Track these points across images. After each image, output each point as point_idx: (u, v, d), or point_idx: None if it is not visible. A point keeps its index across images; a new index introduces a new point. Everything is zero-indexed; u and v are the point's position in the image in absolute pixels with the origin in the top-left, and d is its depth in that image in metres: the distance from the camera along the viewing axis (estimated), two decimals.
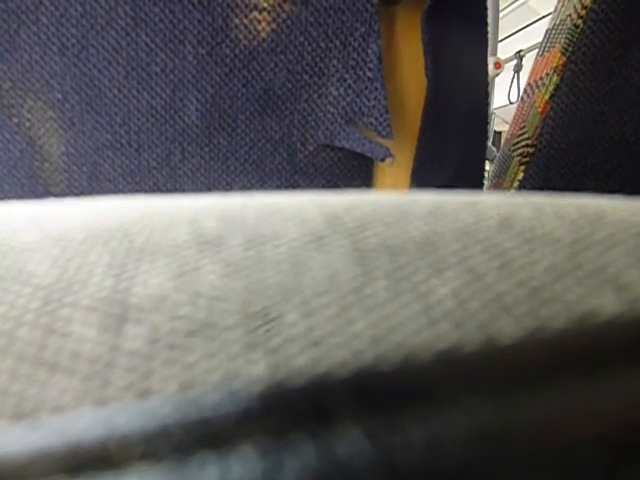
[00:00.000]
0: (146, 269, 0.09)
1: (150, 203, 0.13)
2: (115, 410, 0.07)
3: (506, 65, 2.11)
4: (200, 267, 0.09)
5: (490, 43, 1.84)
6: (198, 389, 0.07)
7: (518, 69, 2.35)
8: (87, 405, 0.07)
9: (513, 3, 3.17)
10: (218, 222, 0.11)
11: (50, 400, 0.07)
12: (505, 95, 2.35)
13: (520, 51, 2.40)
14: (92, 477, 0.06)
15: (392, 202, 0.12)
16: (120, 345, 0.08)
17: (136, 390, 0.07)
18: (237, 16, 0.33)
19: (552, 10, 0.41)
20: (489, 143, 1.85)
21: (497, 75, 1.86)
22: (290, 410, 0.07)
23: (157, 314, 0.09)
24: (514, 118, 0.45)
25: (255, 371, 0.07)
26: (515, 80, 2.33)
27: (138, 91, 0.34)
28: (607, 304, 0.08)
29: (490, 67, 1.79)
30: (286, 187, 0.37)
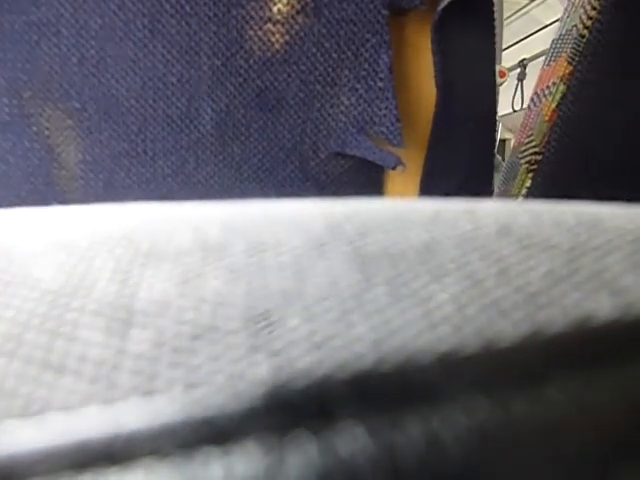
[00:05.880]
0: (151, 275, 0.10)
1: (154, 210, 0.13)
2: (121, 409, 0.07)
3: (510, 74, 2.11)
4: (204, 273, 0.10)
5: None
6: (203, 390, 0.08)
7: (522, 77, 2.35)
8: (93, 406, 0.07)
9: (516, 12, 3.18)
10: (221, 229, 0.11)
11: (57, 401, 0.08)
12: (509, 103, 2.35)
13: (524, 59, 2.41)
14: (99, 473, 0.06)
15: (392, 210, 0.12)
16: (126, 348, 0.08)
17: (142, 391, 0.08)
18: (251, 28, 0.34)
19: (555, 19, 0.42)
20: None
21: (501, 84, 1.86)
22: (293, 409, 0.07)
23: (162, 319, 0.09)
24: (521, 126, 0.45)
25: (258, 373, 0.08)
26: (519, 88, 2.34)
27: (154, 101, 0.34)
28: (603, 308, 0.08)
29: None
30: (297, 195, 0.37)
